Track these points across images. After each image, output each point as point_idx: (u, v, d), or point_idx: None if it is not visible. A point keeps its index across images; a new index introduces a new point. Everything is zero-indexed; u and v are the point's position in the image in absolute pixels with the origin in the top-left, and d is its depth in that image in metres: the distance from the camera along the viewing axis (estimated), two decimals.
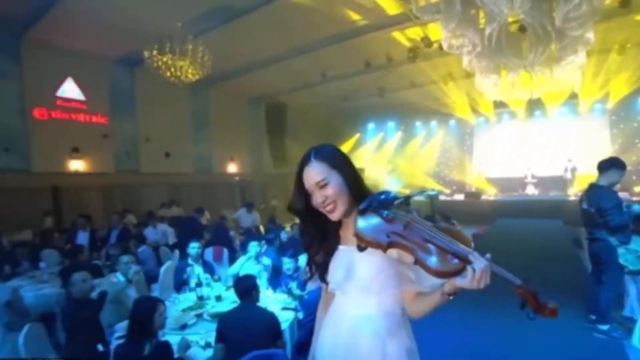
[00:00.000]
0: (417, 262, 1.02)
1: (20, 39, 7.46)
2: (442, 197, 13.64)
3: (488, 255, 0.97)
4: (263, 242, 4.60)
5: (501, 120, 14.44)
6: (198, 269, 3.93)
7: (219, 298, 3.32)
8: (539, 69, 6.28)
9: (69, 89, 8.27)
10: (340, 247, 1.26)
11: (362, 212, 1.11)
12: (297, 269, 3.86)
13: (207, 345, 2.41)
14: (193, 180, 11.24)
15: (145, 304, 2.23)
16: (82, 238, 6.12)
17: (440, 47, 6.73)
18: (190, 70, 5.89)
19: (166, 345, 2.09)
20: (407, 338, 1.24)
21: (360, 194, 1.18)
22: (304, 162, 1.20)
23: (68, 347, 2.60)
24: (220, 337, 2.42)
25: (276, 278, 3.94)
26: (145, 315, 2.13)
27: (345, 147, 14.37)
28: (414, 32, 8.08)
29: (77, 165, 8.51)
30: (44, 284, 4.15)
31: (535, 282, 0.98)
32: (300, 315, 3.00)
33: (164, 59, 5.69)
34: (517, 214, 10.92)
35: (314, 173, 1.17)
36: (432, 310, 1.11)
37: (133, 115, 9.69)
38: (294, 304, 3.14)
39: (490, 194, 13.58)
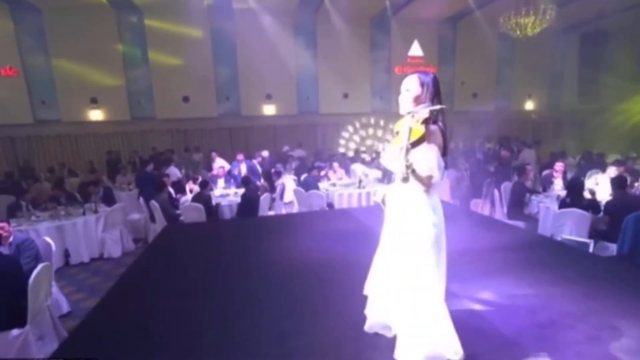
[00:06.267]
0: None
1: (391, 18, 10.80)
2: None
3: None
4: None
5: None
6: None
7: None
8: None
9: (415, 49, 11.31)
10: None
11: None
12: None
13: None
14: (491, 118, 12.62)
15: None
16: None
17: None
18: (536, 26, 7.03)
19: None
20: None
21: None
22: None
23: None
24: (605, 210, 4.06)
25: None
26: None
27: None
28: None
29: None
30: None
31: None
32: None
33: (516, 20, 7.09)
34: None
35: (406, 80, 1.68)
36: None
37: (452, 63, 11.93)
38: None
39: None
